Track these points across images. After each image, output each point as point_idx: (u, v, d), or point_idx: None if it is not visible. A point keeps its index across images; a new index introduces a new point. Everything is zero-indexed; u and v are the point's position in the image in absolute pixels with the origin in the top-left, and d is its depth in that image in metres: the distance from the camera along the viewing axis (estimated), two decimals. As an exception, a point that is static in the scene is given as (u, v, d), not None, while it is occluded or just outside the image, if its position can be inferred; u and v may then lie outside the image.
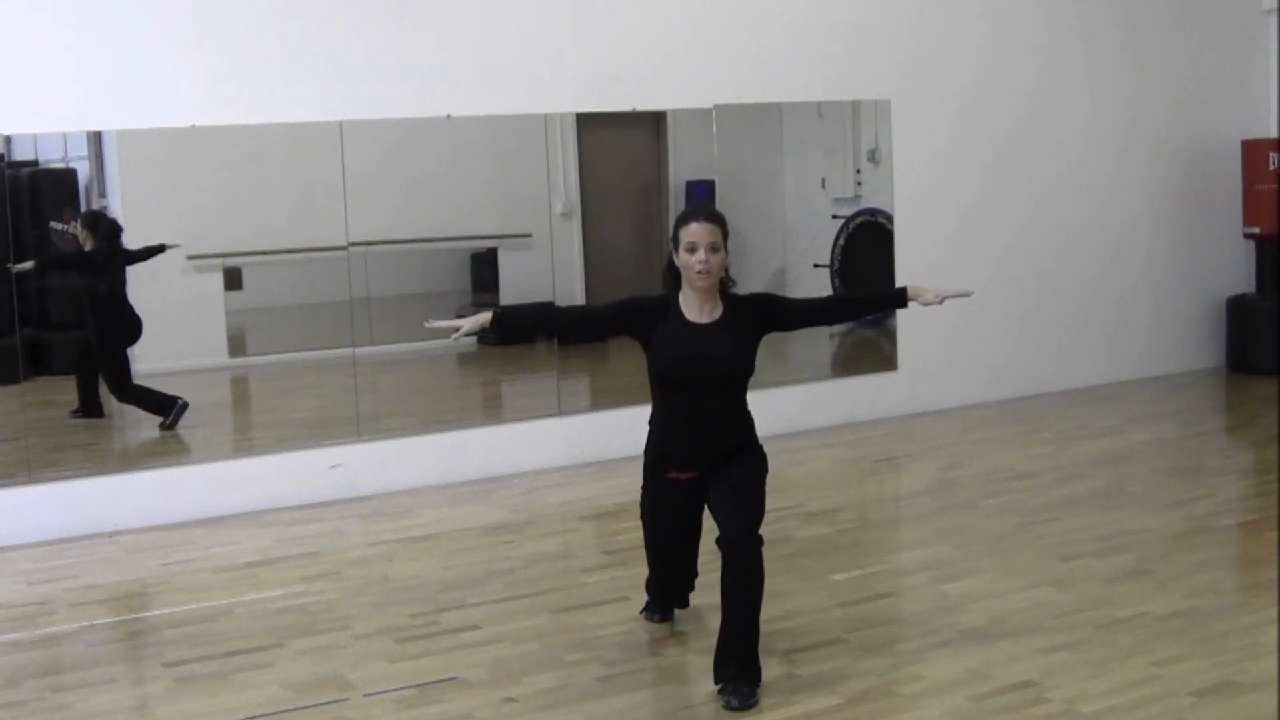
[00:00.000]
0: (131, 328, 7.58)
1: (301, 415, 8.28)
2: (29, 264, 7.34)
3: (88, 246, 7.48)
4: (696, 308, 4.77)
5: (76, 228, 7.50)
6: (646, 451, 4.95)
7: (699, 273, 4.68)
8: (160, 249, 7.49)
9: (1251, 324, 10.36)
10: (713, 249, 4.69)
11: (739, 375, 4.79)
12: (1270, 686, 4.50)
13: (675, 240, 4.77)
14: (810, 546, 6.42)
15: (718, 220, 4.76)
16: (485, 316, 4.88)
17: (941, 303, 4.98)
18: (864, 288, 9.63)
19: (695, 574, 5.21)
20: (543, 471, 8.07)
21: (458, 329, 4.83)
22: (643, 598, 5.46)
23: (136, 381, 7.67)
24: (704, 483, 4.83)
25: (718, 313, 4.78)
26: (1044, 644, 5.01)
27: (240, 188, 7.96)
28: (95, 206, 7.58)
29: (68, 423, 7.68)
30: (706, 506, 4.88)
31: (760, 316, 4.84)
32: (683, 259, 4.73)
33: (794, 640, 5.11)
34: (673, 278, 4.84)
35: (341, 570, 6.33)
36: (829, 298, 4.92)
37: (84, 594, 6.16)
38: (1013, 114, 9.64)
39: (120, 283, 7.56)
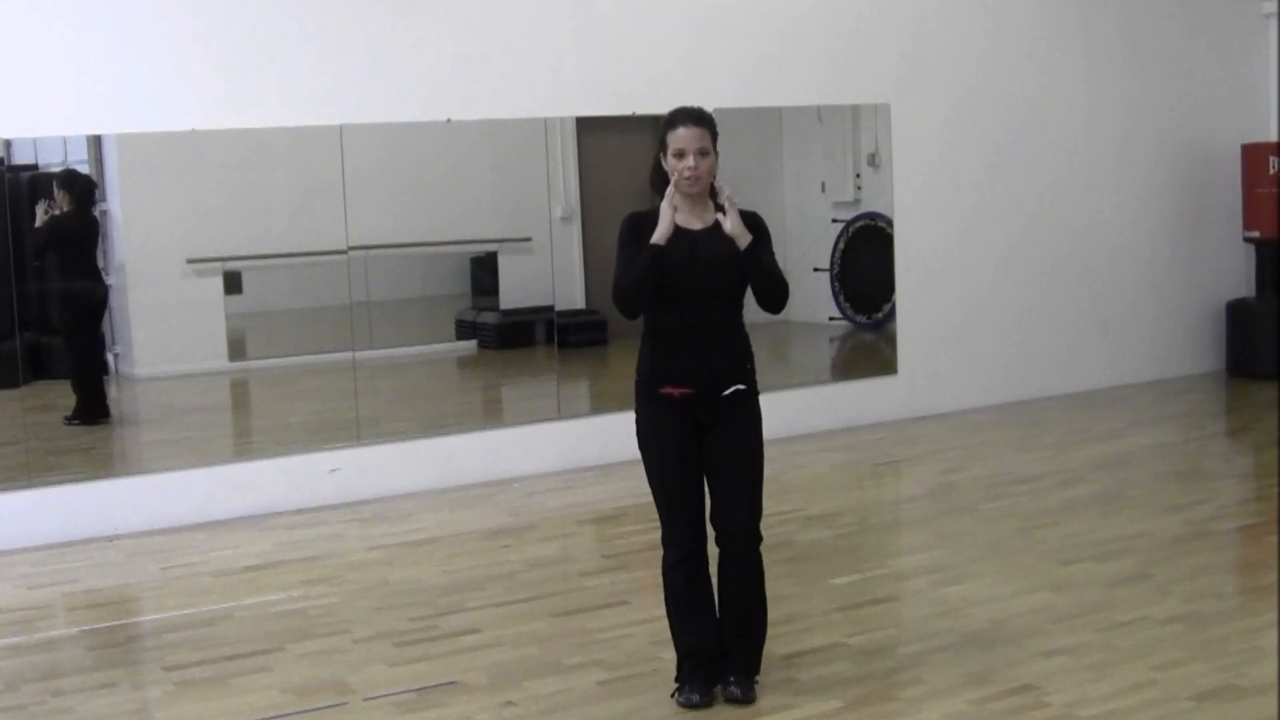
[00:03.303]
0: (99, 297, 7.55)
1: (301, 419, 8.28)
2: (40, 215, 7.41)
3: (65, 207, 7.48)
4: (687, 213, 4.56)
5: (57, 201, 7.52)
6: (639, 370, 4.64)
7: (687, 179, 4.48)
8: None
9: (1251, 328, 10.35)
10: (701, 154, 4.47)
11: (731, 280, 4.52)
12: (1270, 691, 4.50)
13: (663, 144, 4.54)
14: (810, 550, 6.41)
15: (706, 123, 4.53)
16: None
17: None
18: (864, 293, 9.65)
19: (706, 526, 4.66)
20: (542, 475, 8.07)
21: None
22: (642, 599, 5.45)
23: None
24: (702, 413, 4.55)
25: (709, 218, 4.55)
26: (1044, 648, 5.01)
27: (240, 192, 7.96)
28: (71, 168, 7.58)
29: (67, 427, 7.67)
30: (704, 475, 4.60)
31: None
32: (671, 164, 4.51)
33: (794, 644, 5.11)
34: (661, 181, 4.60)
35: (341, 574, 6.33)
36: (762, 279, 4.56)
37: (83, 598, 6.16)
38: (1013, 118, 9.64)
39: (93, 244, 7.53)
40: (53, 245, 7.57)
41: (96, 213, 7.53)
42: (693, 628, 4.59)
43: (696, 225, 4.55)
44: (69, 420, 7.67)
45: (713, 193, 4.58)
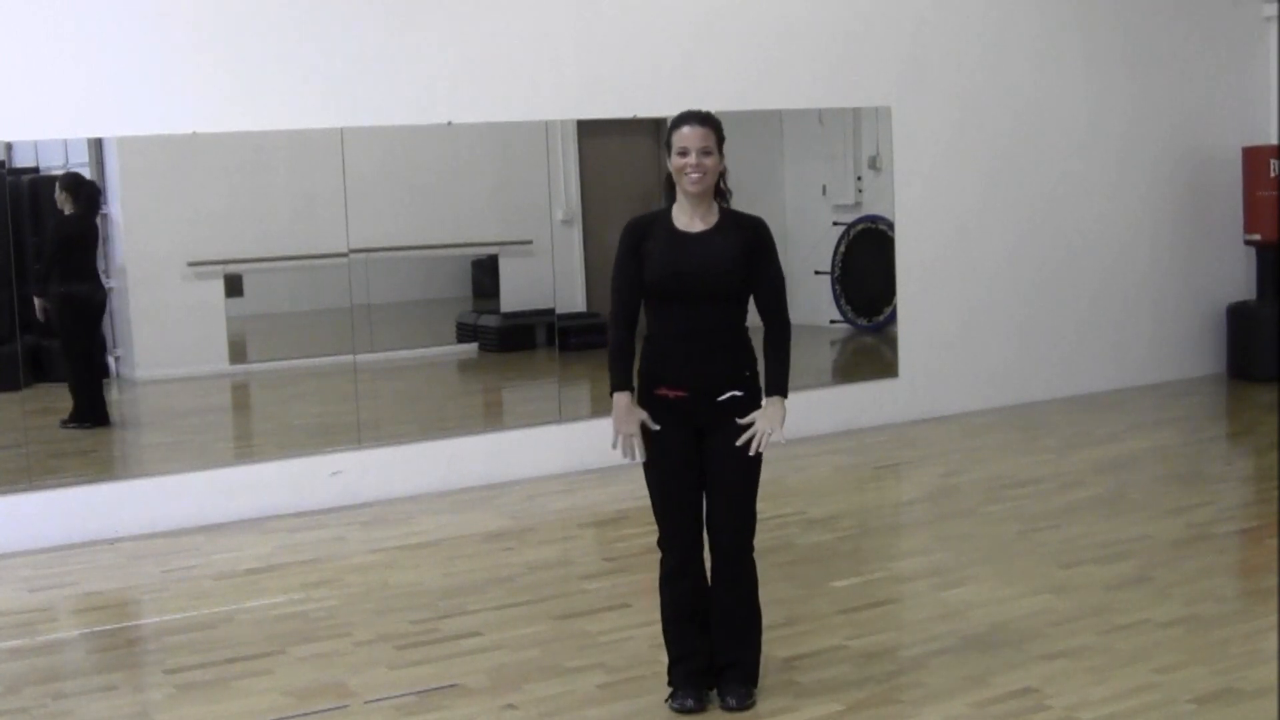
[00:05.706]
0: (98, 301, 7.55)
1: (302, 422, 8.28)
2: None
3: (67, 210, 7.48)
4: (689, 215, 4.55)
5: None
6: (639, 372, 4.67)
7: (690, 177, 4.47)
8: None
9: (1252, 331, 10.35)
10: (704, 152, 4.47)
11: (731, 285, 4.51)
12: (1271, 693, 4.49)
13: (668, 146, 4.55)
14: (811, 553, 6.42)
15: (711, 124, 4.54)
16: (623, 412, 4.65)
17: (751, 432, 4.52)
18: (865, 296, 9.65)
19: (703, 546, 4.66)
20: (543, 478, 8.07)
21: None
22: (643, 602, 5.44)
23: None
24: (700, 419, 4.54)
25: (712, 219, 4.56)
26: (1044, 651, 5.01)
27: (241, 194, 7.97)
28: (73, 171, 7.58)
29: (65, 431, 7.65)
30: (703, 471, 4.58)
31: (751, 245, 4.56)
32: (674, 163, 4.51)
33: (795, 647, 5.11)
34: (670, 188, 4.62)
35: (342, 577, 6.33)
36: (771, 321, 4.68)
37: (85, 601, 6.16)
38: (1013, 121, 9.64)
39: (93, 247, 7.53)
40: (55, 247, 7.58)
41: (99, 218, 7.54)
42: (688, 635, 4.59)
43: (698, 226, 4.54)
44: (65, 424, 7.66)
45: (721, 196, 4.59)
